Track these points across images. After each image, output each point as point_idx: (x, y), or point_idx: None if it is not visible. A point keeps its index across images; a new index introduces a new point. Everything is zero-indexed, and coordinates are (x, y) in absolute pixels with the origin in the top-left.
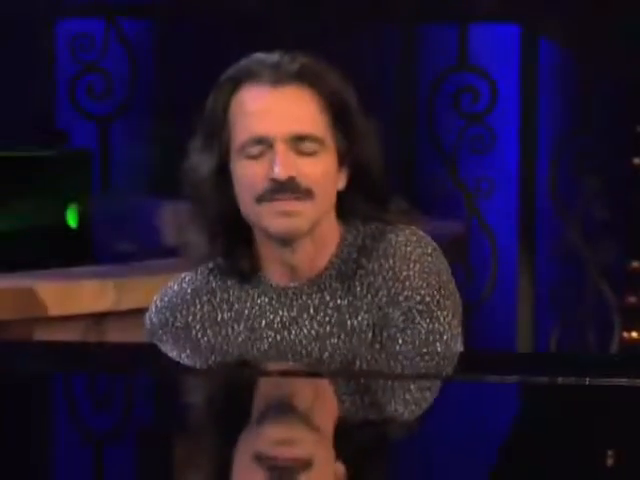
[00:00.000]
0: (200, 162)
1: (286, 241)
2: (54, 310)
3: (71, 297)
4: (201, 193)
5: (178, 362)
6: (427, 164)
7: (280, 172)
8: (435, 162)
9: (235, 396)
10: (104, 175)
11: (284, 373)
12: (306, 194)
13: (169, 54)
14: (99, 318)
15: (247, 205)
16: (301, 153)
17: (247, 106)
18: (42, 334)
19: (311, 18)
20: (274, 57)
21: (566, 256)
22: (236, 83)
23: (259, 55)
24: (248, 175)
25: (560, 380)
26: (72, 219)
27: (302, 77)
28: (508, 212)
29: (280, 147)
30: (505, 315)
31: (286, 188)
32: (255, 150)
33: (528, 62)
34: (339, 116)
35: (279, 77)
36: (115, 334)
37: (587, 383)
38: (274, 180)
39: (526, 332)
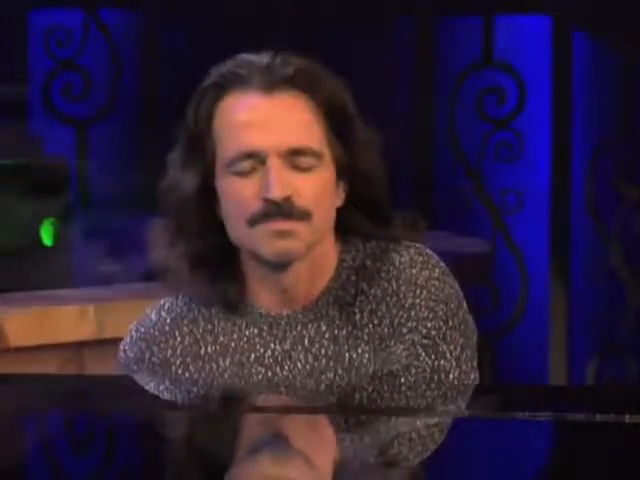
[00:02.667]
0: (181, 179)
1: (280, 265)
2: (21, 340)
3: (46, 324)
4: (182, 214)
5: (163, 398)
6: (447, 174)
7: (276, 192)
8: (456, 172)
9: (224, 432)
10: (83, 187)
11: (278, 409)
12: (302, 215)
13: (156, 50)
14: (78, 347)
15: (237, 228)
16: (296, 168)
17: (235, 116)
18: (9, 367)
19: (313, 10)
20: (264, 59)
21: (604, 277)
22: (221, 89)
23: (246, 56)
24: (238, 195)
25: (598, 417)
26: (47, 236)
27: (297, 82)
28: (538, 228)
29: (274, 163)
30: (536, 343)
31: (281, 209)
32: (245, 166)
33: (561, 58)
34: (337, 124)
35: (270, 82)
36: (96, 365)
37: (627, 421)
38: (268, 201)
39: (560, 362)
